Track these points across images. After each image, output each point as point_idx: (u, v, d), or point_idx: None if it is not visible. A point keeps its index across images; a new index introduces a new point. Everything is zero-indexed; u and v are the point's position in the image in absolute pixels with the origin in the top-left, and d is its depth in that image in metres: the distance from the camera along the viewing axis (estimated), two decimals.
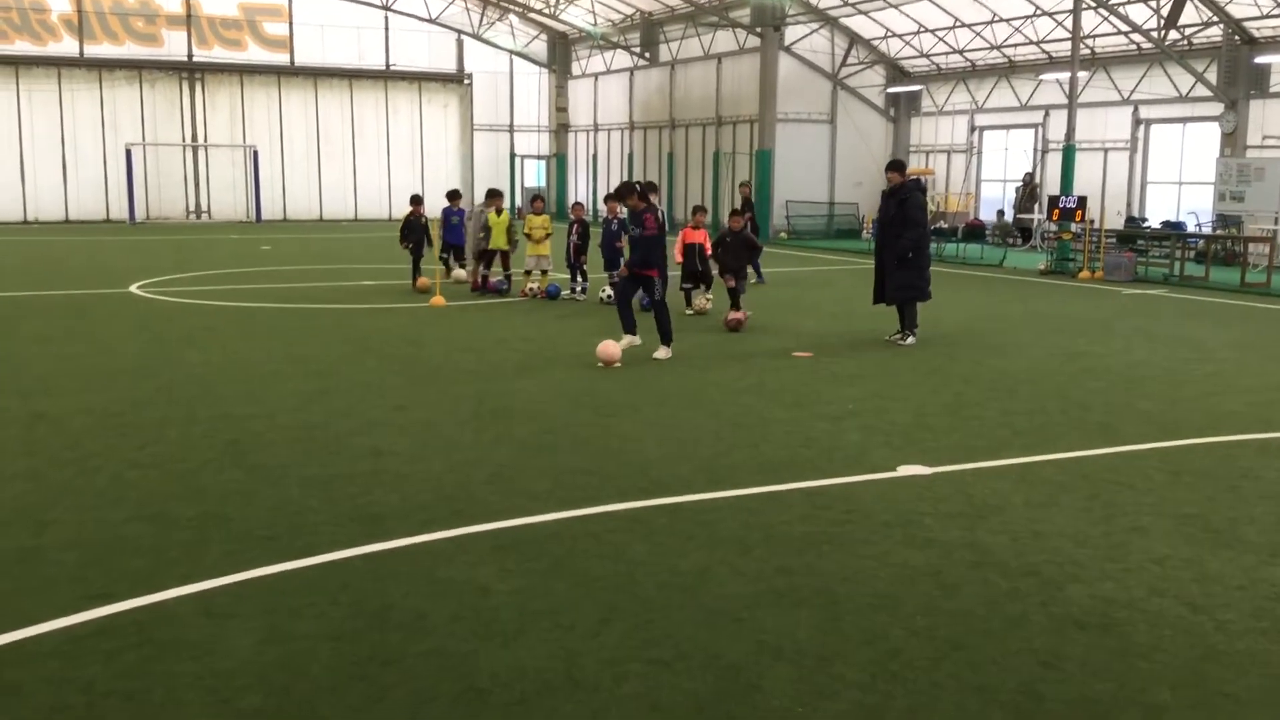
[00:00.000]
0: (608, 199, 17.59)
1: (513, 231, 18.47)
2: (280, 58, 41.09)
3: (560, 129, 45.78)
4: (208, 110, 40.53)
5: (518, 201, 39.02)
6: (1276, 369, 12.14)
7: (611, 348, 11.77)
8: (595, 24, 39.98)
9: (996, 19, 29.66)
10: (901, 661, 4.76)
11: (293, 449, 8.26)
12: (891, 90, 35.34)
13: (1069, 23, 24.30)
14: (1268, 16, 24.16)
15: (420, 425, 9.06)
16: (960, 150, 33.80)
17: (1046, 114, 30.77)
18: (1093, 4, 24.55)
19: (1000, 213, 31.95)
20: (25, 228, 36.43)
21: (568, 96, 45.54)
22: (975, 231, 29.05)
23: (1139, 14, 25.24)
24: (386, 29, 42.42)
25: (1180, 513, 6.88)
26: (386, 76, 42.77)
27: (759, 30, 32.28)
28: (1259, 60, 25.10)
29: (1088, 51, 27.64)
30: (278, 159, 41.46)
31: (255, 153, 40.73)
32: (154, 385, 10.62)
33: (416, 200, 19.62)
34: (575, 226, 17.82)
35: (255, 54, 40.80)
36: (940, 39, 32.00)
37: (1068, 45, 25.46)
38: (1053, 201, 23.66)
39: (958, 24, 30.76)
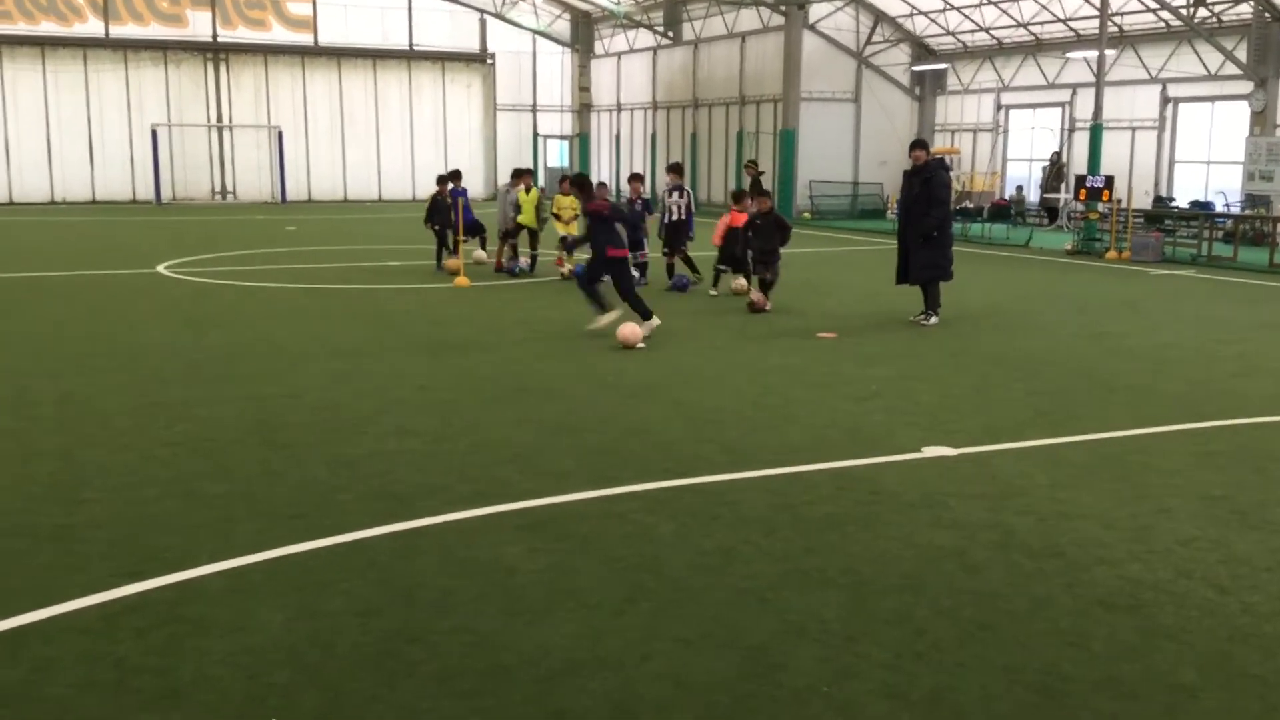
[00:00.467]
0: (631, 180, 17.72)
1: (541, 209, 18.46)
2: (304, 38, 41.08)
3: (583, 109, 45.63)
4: (232, 91, 40.58)
5: (541, 182, 38.96)
6: None
7: (632, 330, 11.80)
8: (619, 3, 39.81)
9: None
10: (927, 642, 4.77)
11: (319, 428, 8.33)
12: (917, 68, 35.04)
13: (1097, 0, 24.05)
14: None
15: (444, 405, 9.10)
16: (986, 129, 33.52)
17: (1074, 93, 30.46)
18: None
19: (1020, 188, 31.73)
20: (53, 208, 36.65)
21: (590, 76, 45.38)
22: (1001, 211, 28.88)
23: None
24: (410, 9, 42.33)
25: (1207, 494, 6.85)
26: (410, 56, 42.71)
27: (783, 8, 32.02)
28: None
29: (1116, 29, 27.34)
30: (302, 139, 41.49)
31: (280, 133, 40.79)
32: (182, 365, 10.71)
33: (442, 180, 19.63)
34: (636, 203, 17.20)
35: (279, 34, 40.80)
36: (966, 16, 31.70)
37: (1095, 23, 25.22)
38: (1079, 181, 23.48)
39: (984, 1, 30.48)
